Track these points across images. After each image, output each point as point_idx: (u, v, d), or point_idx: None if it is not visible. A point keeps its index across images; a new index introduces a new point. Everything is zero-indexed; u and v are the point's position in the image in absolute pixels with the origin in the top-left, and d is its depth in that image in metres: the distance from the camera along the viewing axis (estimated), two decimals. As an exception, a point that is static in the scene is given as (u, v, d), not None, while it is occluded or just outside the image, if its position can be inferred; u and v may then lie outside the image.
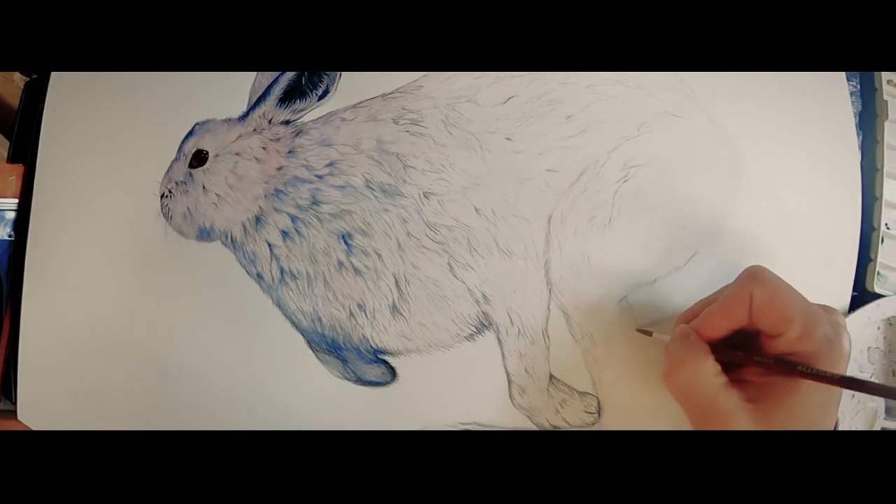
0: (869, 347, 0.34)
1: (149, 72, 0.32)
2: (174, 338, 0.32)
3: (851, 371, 0.34)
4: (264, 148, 0.32)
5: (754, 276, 0.19)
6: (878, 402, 0.33)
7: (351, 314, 0.32)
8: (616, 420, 0.33)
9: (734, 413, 0.18)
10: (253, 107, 0.32)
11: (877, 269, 0.34)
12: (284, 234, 0.32)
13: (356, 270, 0.32)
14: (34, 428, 0.33)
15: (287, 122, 0.32)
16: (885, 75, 0.35)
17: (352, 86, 0.32)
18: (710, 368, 0.19)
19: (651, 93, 0.32)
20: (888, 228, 0.34)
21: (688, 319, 0.23)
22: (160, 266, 0.32)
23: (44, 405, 0.33)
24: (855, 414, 0.33)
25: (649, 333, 0.30)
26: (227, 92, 0.33)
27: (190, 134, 0.32)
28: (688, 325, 0.21)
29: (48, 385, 0.33)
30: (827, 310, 0.20)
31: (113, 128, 0.33)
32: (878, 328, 0.34)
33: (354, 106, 0.32)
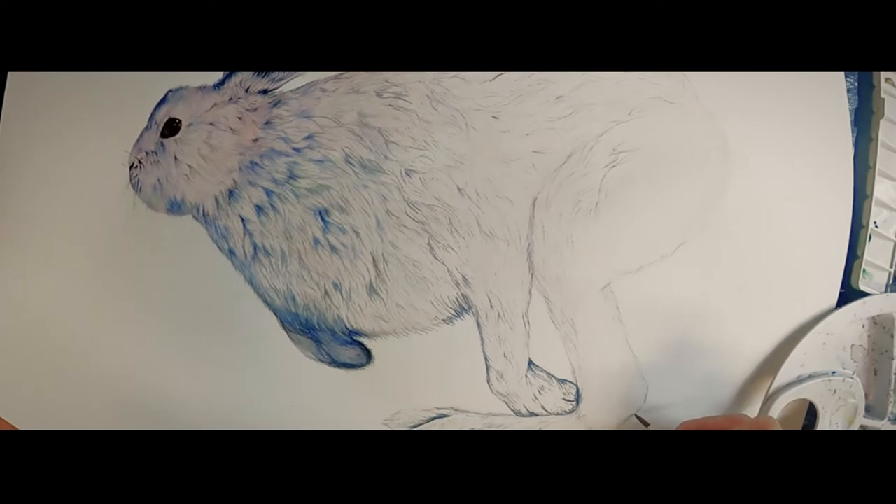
0: (853, 345, 0.34)
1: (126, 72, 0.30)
2: (142, 315, 0.31)
3: (834, 367, 0.34)
4: (240, 118, 0.31)
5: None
6: (859, 400, 0.33)
7: (326, 293, 0.31)
8: (594, 409, 0.32)
9: None
10: (229, 74, 0.31)
11: (863, 266, 0.34)
12: (259, 208, 0.31)
13: (332, 248, 0.31)
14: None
15: (265, 92, 0.31)
16: (884, 73, 0.35)
17: (334, 56, 0.31)
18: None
19: (644, 77, 0.32)
20: (876, 227, 0.34)
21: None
22: (128, 240, 0.31)
23: (6, 386, 0.32)
24: (836, 409, 0.33)
25: (646, 424, 0.32)
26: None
27: (162, 101, 0.31)
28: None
29: (9, 365, 0.32)
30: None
31: (81, 94, 0.31)
32: (863, 326, 0.34)
33: (336, 76, 0.31)
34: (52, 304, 0.32)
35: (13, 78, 0.31)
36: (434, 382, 0.32)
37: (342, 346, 0.31)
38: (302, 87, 0.31)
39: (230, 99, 0.31)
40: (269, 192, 0.31)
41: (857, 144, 0.34)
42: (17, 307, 0.32)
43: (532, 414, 0.32)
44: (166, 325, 0.31)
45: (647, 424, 0.32)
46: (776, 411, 0.32)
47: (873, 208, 0.34)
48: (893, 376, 0.34)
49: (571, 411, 0.32)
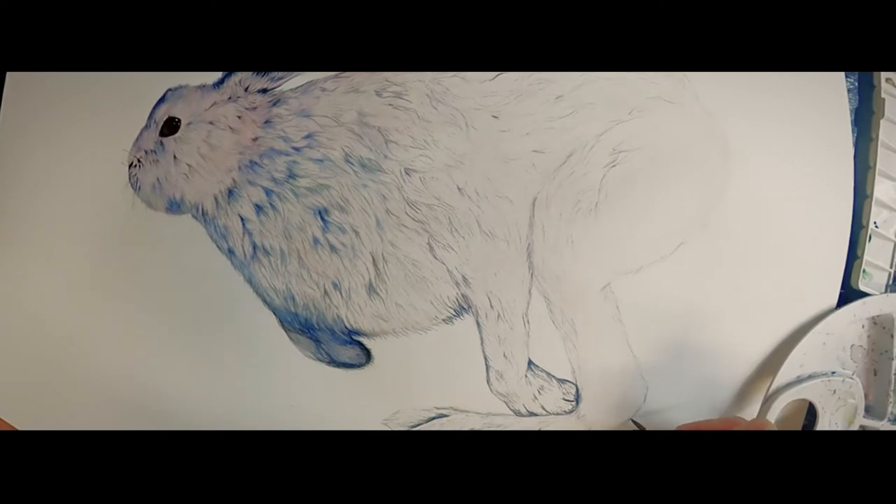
0: (852, 345, 0.34)
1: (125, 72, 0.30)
2: (141, 315, 0.31)
3: (834, 367, 0.34)
4: (240, 117, 0.31)
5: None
6: (859, 400, 0.33)
7: (325, 293, 0.31)
8: (594, 409, 0.32)
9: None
10: (229, 73, 0.31)
11: (863, 266, 0.34)
12: (258, 208, 0.31)
13: (332, 248, 0.31)
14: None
15: (264, 91, 0.31)
16: (884, 73, 0.35)
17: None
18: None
19: (644, 77, 0.32)
20: (876, 227, 0.34)
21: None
22: (127, 239, 0.31)
23: (6, 386, 0.32)
24: (836, 410, 0.33)
25: (643, 428, 0.32)
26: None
27: (161, 100, 0.31)
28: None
29: (9, 365, 0.32)
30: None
31: (80, 94, 0.31)
32: (863, 326, 0.34)
33: (336, 76, 0.31)
34: (52, 304, 0.32)
35: (12, 78, 0.31)
36: (433, 382, 0.32)
37: (341, 345, 0.31)
38: (301, 86, 0.31)
39: (230, 98, 0.31)
40: (268, 192, 0.31)
41: (857, 144, 0.34)
42: (17, 307, 0.32)
43: (532, 414, 0.32)
44: (166, 325, 0.31)
45: (643, 429, 0.32)
46: (776, 411, 0.32)
47: (873, 208, 0.34)
48: (893, 376, 0.34)
49: (571, 411, 0.32)
